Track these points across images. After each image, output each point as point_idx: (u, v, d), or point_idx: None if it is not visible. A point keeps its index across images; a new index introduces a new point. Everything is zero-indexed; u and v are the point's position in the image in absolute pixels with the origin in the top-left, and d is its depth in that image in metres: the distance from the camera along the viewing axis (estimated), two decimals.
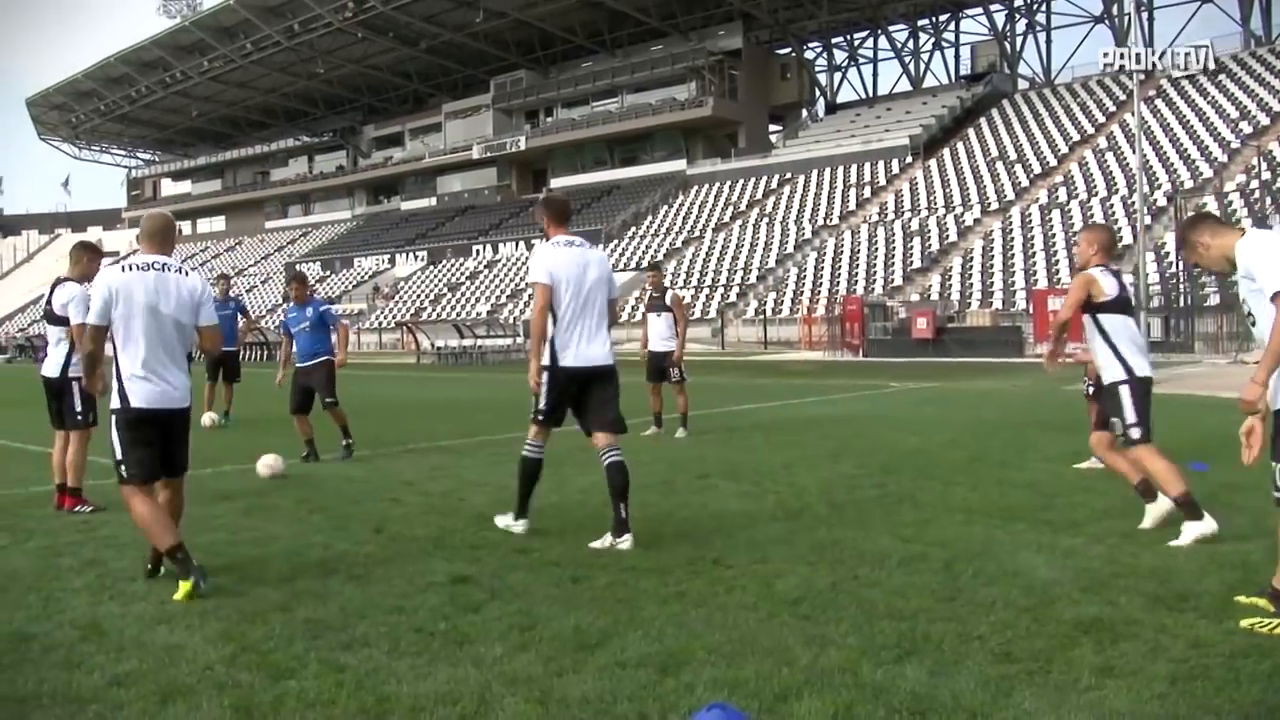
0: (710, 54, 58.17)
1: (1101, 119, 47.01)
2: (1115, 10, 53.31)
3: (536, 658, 3.57)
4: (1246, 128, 40.06)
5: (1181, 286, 29.04)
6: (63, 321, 6.71)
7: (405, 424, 12.68)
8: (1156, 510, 5.44)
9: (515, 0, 55.31)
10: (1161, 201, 35.96)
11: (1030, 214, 39.57)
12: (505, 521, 5.72)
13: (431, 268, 61.06)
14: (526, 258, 40.31)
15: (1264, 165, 34.16)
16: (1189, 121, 42.80)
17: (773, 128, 63.44)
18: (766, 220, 49.07)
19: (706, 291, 43.18)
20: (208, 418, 12.39)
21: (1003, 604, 4.09)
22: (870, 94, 63.07)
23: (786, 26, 59.79)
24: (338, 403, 9.42)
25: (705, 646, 3.63)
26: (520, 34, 60.62)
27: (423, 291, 57.57)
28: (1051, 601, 4.12)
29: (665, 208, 55.79)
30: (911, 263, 39.73)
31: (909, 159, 49.93)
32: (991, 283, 35.85)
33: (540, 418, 5.47)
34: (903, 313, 31.60)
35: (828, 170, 51.81)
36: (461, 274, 57.77)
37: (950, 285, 36.88)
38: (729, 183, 55.27)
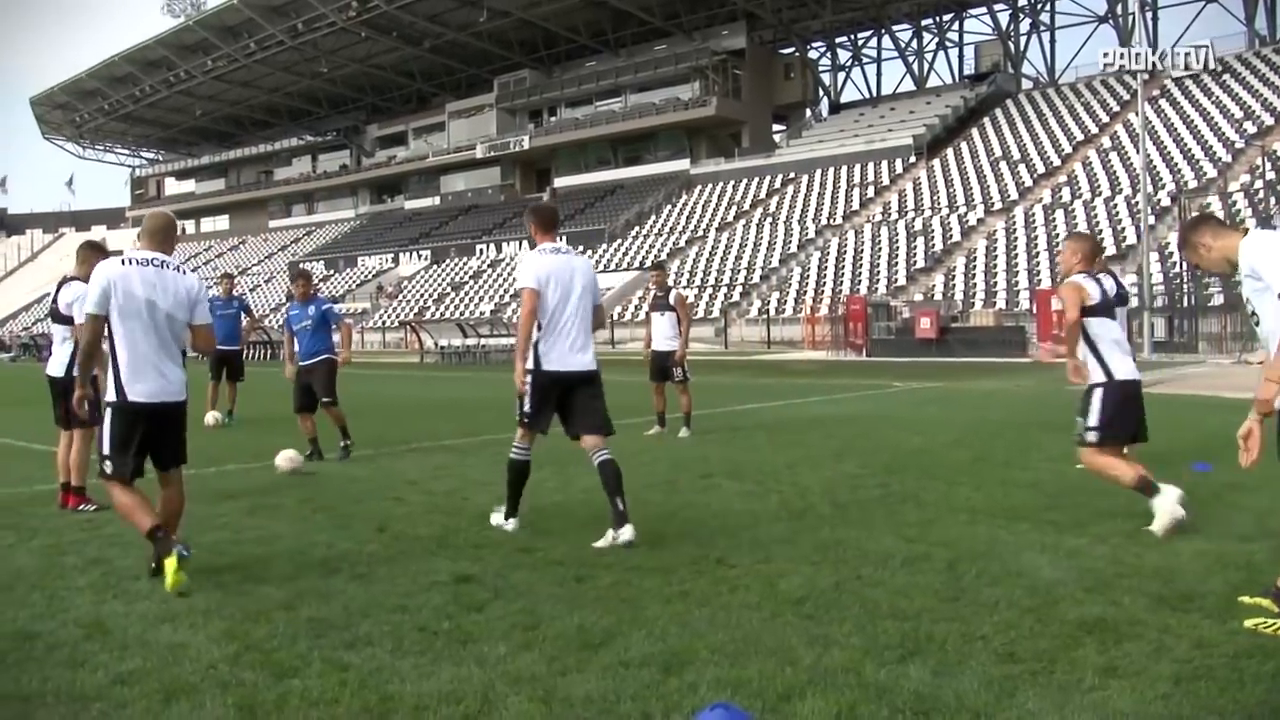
0: (714, 54, 58.09)
1: (1106, 119, 46.90)
2: (1119, 10, 53.21)
3: (540, 657, 3.57)
4: (1251, 127, 39.93)
5: (1185, 286, 29.00)
6: (68, 320, 6.70)
7: (409, 423, 12.68)
8: (1163, 506, 5.37)
9: (519, 0, 55.38)
10: (1165, 202, 35.91)
11: (1034, 214, 39.50)
12: (497, 519, 5.83)
13: (435, 267, 61.08)
14: None
15: (1268, 165, 34.00)
16: (1193, 121, 42.68)
17: (776, 127, 63.42)
18: (770, 220, 49.01)
19: (710, 291, 43.15)
20: (211, 417, 12.40)
21: (1006, 604, 4.09)
22: (874, 94, 62.95)
23: (790, 26, 59.67)
24: (335, 402, 9.39)
25: (709, 646, 3.63)
26: (524, 33, 60.60)
27: (426, 291, 57.61)
28: (1055, 602, 4.11)
29: (669, 207, 55.75)
30: (915, 262, 39.68)
31: (913, 159, 49.84)
32: (995, 283, 35.79)
33: (525, 420, 5.58)
34: (906, 312, 31.58)
35: (831, 170, 51.73)
36: (465, 273, 57.77)
37: (954, 285, 36.83)
38: (732, 182, 55.21)
